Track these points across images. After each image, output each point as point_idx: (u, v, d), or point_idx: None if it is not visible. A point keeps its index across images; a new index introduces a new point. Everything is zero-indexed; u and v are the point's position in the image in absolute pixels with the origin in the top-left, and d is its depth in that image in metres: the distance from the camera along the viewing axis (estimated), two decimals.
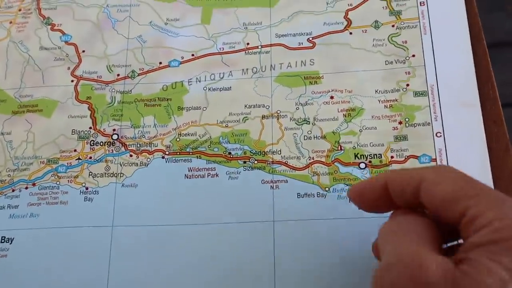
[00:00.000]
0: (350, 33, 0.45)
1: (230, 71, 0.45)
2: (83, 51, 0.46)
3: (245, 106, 0.43)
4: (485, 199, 0.26)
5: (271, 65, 0.44)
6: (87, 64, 0.46)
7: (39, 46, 0.47)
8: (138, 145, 0.43)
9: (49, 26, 0.48)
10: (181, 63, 0.45)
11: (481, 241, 0.25)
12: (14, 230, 0.40)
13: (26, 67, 0.46)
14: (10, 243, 0.40)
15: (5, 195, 0.42)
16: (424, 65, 0.43)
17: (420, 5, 0.45)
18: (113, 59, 0.46)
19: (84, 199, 0.41)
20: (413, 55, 0.43)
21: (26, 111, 0.45)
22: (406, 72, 0.43)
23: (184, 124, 0.43)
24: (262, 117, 0.43)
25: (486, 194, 0.26)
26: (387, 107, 0.42)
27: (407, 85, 0.43)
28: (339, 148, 0.41)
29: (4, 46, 0.47)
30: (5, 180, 0.43)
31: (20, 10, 0.49)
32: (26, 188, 0.42)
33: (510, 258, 0.24)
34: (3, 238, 0.40)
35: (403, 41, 0.44)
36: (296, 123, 0.42)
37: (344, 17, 0.46)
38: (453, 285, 0.24)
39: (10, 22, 0.48)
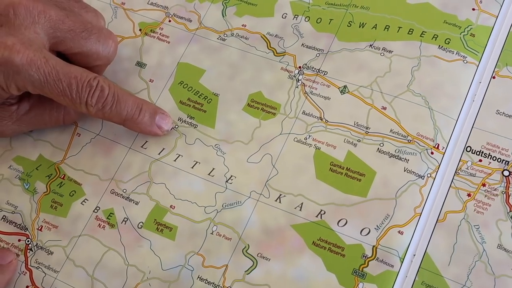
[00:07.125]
0: None
1: None
2: None
3: None
4: None
5: None
6: None
7: (497, 243, 0.41)
8: None
9: None
10: None
11: None
12: None
13: (476, 262, 0.41)
14: None
15: None
16: None
17: None
18: None
19: None
20: None
21: None
22: None
23: None
24: None
25: None
26: None
27: None
28: None
29: (457, 220, 0.42)
30: None
31: (483, 185, 0.42)
32: None
33: None
34: None
35: None
36: None
37: None
38: None
39: (469, 195, 0.42)
